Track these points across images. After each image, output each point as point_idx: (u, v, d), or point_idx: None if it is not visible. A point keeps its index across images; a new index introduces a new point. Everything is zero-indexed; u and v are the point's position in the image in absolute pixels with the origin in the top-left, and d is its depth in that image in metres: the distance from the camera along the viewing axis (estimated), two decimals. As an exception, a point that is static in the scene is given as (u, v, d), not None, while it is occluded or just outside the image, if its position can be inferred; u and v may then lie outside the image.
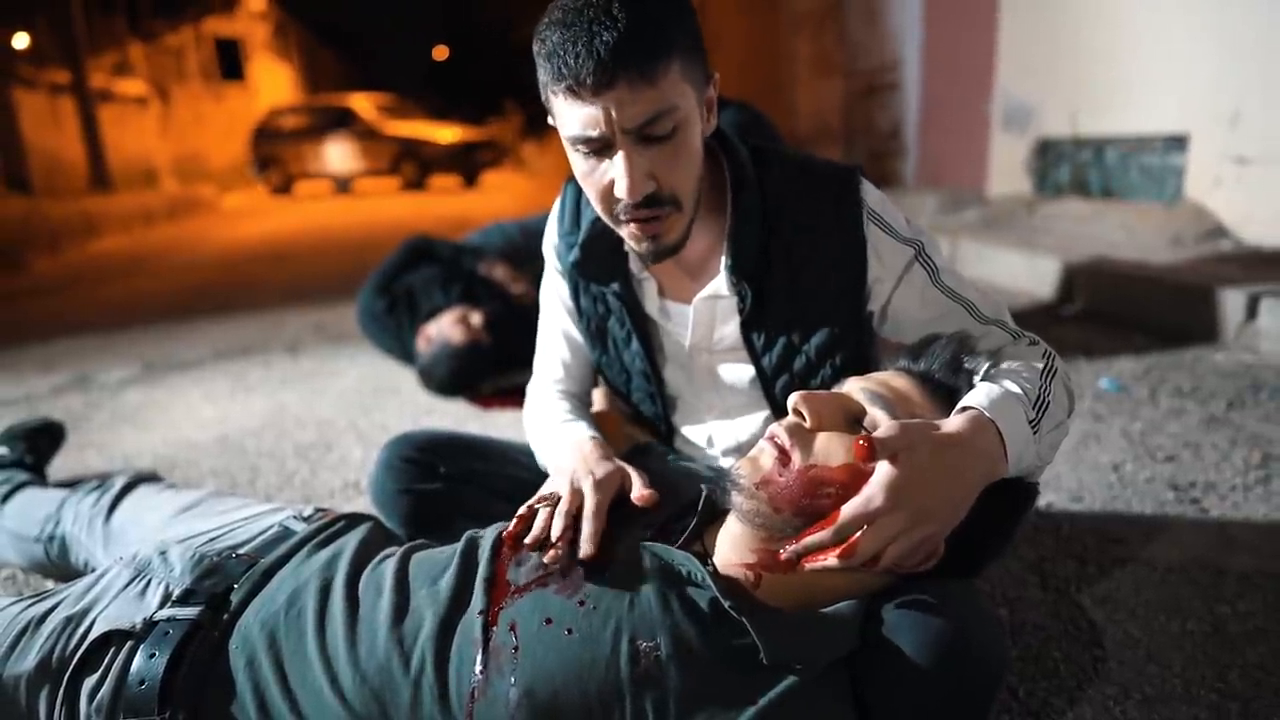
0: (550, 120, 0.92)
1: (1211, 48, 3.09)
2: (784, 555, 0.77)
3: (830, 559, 0.74)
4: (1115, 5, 3.55)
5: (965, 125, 4.75)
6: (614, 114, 0.82)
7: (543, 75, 0.86)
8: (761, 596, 0.79)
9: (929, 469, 0.74)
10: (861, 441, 0.72)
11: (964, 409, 0.80)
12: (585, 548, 0.84)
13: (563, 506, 0.89)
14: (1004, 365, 0.89)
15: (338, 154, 13.27)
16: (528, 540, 0.87)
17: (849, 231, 0.98)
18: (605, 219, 0.96)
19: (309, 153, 13.42)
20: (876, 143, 5.94)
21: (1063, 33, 3.87)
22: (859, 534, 0.73)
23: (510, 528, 0.89)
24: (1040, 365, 0.89)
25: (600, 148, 0.87)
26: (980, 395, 0.81)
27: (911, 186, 5.41)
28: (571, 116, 0.85)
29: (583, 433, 1.06)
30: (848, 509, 0.73)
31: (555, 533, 0.86)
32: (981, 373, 0.89)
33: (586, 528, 0.86)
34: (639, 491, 0.91)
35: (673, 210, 0.91)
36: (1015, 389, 0.83)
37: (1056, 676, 1.06)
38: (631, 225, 0.92)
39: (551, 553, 0.84)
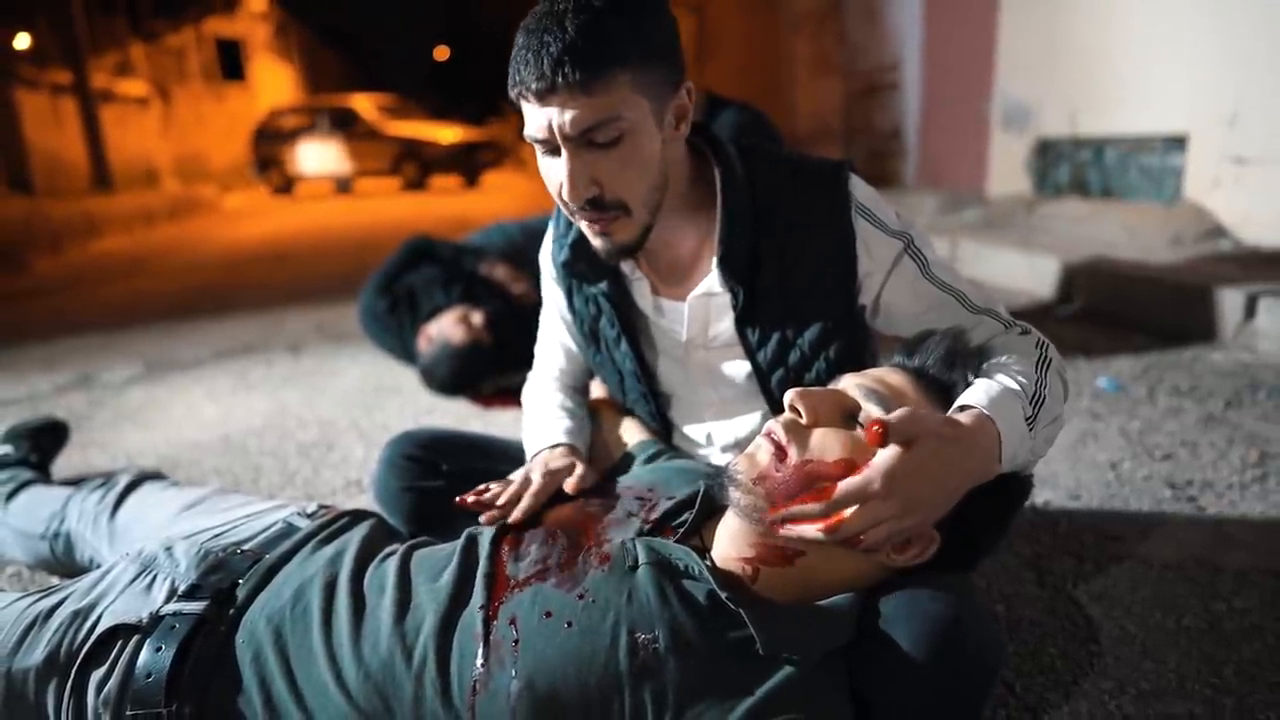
0: None
1: (1211, 48, 3.09)
2: (769, 517, 0.78)
3: (814, 530, 0.75)
4: (1115, 5, 3.56)
5: (965, 125, 4.76)
6: (553, 121, 0.86)
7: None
8: (759, 590, 0.80)
9: (929, 462, 0.75)
10: (876, 427, 0.73)
11: (963, 407, 0.81)
12: (515, 514, 0.96)
13: (515, 484, 1.02)
14: (1001, 359, 0.89)
15: (338, 154, 13.27)
16: (470, 499, 0.99)
17: (838, 226, 0.99)
18: (565, 213, 1.00)
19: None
20: (876, 143, 5.95)
21: (1062, 33, 3.87)
22: (848, 511, 0.74)
23: (469, 497, 1.01)
24: (1035, 357, 0.90)
25: (550, 149, 0.91)
26: (979, 393, 0.82)
27: (911, 186, 5.42)
28: (526, 117, 0.90)
29: (557, 436, 1.13)
30: (844, 485, 0.75)
31: (500, 501, 0.99)
32: (978, 368, 0.90)
33: (524, 502, 0.98)
34: (571, 481, 1.03)
35: (620, 214, 0.94)
36: (1013, 385, 0.84)
37: (1053, 672, 1.06)
38: (583, 223, 0.97)
39: (488, 514, 0.97)
